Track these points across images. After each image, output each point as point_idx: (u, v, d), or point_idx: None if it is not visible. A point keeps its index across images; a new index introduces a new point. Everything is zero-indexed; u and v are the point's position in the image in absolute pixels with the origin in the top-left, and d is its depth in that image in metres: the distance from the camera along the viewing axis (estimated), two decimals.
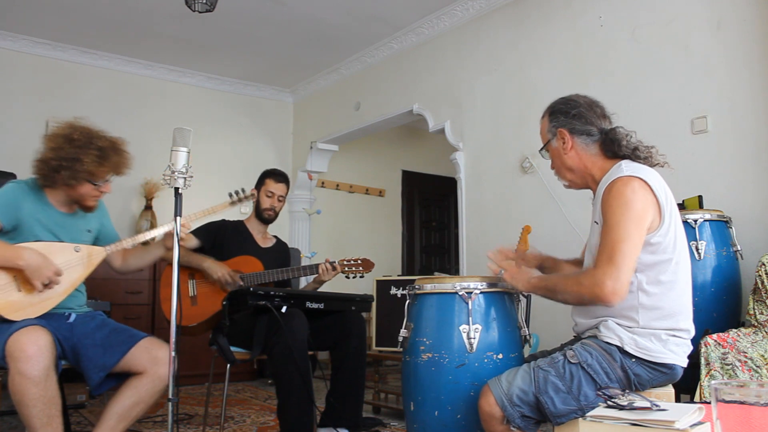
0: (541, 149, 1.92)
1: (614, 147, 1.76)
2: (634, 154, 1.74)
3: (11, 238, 2.17)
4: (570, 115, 1.82)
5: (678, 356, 1.67)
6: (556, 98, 1.91)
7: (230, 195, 2.70)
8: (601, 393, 1.50)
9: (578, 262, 2.05)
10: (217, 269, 2.87)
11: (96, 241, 2.43)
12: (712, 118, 3.01)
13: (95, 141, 2.22)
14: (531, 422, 1.66)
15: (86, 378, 2.20)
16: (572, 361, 1.64)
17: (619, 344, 1.65)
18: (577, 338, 1.86)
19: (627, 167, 1.69)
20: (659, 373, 1.67)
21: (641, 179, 1.65)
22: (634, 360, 1.65)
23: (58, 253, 2.18)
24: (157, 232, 2.36)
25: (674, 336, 1.66)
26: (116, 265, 2.52)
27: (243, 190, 2.75)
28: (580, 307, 1.80)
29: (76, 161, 2.17)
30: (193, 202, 4.51)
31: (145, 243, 2.44)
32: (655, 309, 1.65)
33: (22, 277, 2.10)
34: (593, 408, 1.56)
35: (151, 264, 2.54)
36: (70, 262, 2.20)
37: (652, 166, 1.74)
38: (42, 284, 2.08)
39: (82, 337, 2.23)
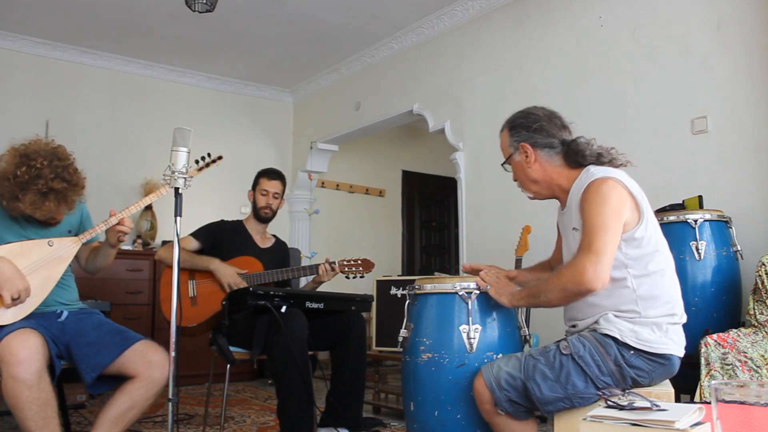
0: (503, 163, 1.96)
1: (578, 157, 1.82)
2: (599, 160, 1.81)
3: None
4: (531, 129, 1.86)
5: (677, 345, 1.71)
6: (546, 103, 1.96)
7: (197, 162, 2.34)
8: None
9: (547, 265, 2.14)
10: (227, 274, 2.89)
11: None
12: (712, 118, 3.01)
13: (38, 182, 2.07)
14: (520, 409, 1.70)
15: (80, 377, 2.17)
16: (564, 351, 1.68)
17: (618, 336, 1.67)
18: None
19: (597, 171, 1.75)
20: (657, 364, 1.69)
21: (614, 179, 1.70)
22: (632, 352, 1.67)
23: (33, 250, 2.15)
24: (115, 219, 2.25)
25: (673, 324, 1.71)
26: (82, 263, 2.47)
27: (209, 154, 2.39)
28: (576, 307, 1.81)
29: (14, 199, 2.10)
30: (193, 202, 4.52)
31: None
32: (653, 297, 1.70)
33: None
34: (581, 397, 1.64)
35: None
36: (46, 258, 2.17)
37: (616, 167, 1.81)
38: (11, 297, 2.04)
39: (74, 335, 2.20)
